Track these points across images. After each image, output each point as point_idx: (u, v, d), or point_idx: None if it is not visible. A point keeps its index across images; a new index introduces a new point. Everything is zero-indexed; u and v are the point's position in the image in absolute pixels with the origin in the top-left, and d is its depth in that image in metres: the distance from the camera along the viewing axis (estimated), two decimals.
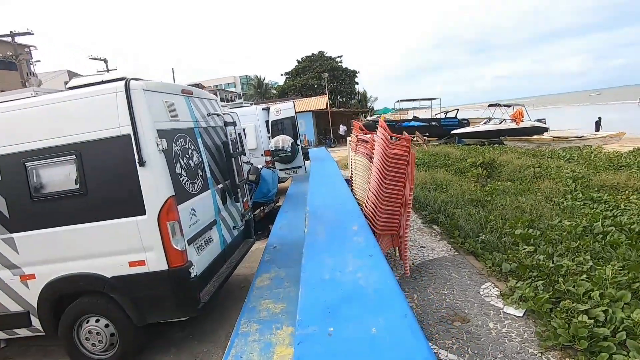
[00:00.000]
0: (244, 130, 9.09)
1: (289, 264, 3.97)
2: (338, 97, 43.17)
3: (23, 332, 3.27)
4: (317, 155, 10.58)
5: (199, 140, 3.73)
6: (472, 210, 6.20)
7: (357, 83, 45.93)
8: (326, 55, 43.44)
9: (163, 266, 2.92)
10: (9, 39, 21.62)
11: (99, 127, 2.87)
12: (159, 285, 2.96)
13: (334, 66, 42.05)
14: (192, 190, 3.39)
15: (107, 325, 3.11)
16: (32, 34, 21.73)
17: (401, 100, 26.03)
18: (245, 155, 7.90)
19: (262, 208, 6.95)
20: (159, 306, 3.05)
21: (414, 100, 25.34)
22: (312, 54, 43.63)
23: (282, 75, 47.04)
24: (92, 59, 27.10)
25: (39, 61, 27.40)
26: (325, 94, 31.20)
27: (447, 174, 10.12)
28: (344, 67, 43.58)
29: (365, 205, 4.69)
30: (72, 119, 2.90)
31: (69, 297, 3.09)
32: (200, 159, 3.67)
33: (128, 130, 2.81)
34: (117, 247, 2.95)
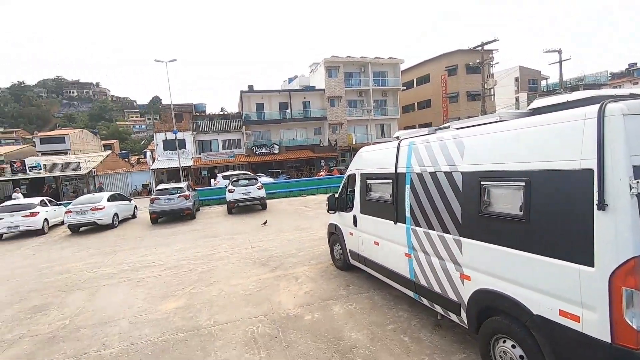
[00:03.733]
0: None
1: None
2: None
3: (453, 317, 3.91)
4: None
5: None
6: None
7: None
8: None
9: (603, 337, 2.34)
10: (479, 48, 25.92)
11: (554, 157, 2.64)
12: (591, 354, 2.43)
13: None
14: None
15: (521, 357, 3.02)
16: (498, 40, 24.70)
17: None
18: None
19: None
20: None
21: None
22: None
23: None
24: (545, 52, 26.85)
25: (497, 63, 31.00)
26: None
27: None
28: None
29: None
30: (527, 145, 2.87)
31: (491, 310, 3.28)
32: None
33: (591, 164, 2.37)
34: (547, 288, 2.70)
